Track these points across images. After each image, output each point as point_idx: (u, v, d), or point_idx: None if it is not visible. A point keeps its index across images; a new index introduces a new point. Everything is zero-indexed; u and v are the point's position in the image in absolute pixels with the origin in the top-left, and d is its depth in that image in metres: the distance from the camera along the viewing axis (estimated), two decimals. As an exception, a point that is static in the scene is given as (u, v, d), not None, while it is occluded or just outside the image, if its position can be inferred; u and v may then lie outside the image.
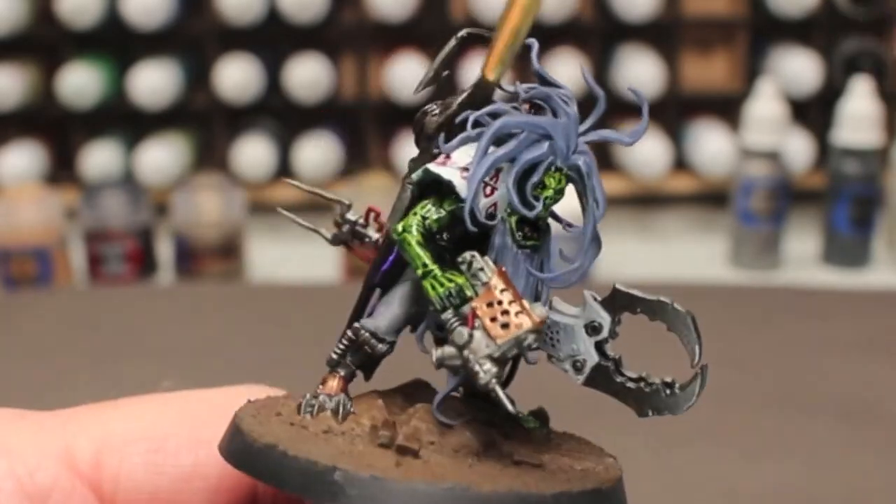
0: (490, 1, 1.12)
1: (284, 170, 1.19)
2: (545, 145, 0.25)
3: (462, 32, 0.26)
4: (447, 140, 0.24)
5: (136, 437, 0.26)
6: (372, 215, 0.27)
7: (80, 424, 0.26)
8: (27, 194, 1.03)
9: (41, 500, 0.24)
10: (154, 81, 1.15)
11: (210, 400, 0.27)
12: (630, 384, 0.26)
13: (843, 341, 0.79)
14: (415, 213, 0.24)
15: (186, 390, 0.27)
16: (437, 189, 0.24)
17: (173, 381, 0.28)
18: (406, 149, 1.11)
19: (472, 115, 0.24)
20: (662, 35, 1.20)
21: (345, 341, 0.25)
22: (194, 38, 1.20)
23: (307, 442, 0.23)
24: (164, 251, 1.06)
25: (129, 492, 0.25)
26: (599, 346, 0.25)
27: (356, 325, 0.25)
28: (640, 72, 1.14)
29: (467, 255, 0.23)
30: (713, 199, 1.19)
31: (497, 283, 0.23)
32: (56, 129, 1.23)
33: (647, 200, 1.22)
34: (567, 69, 1.14)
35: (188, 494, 0.26)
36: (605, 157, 1.22)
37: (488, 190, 0.24)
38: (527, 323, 0.22)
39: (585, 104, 0.25)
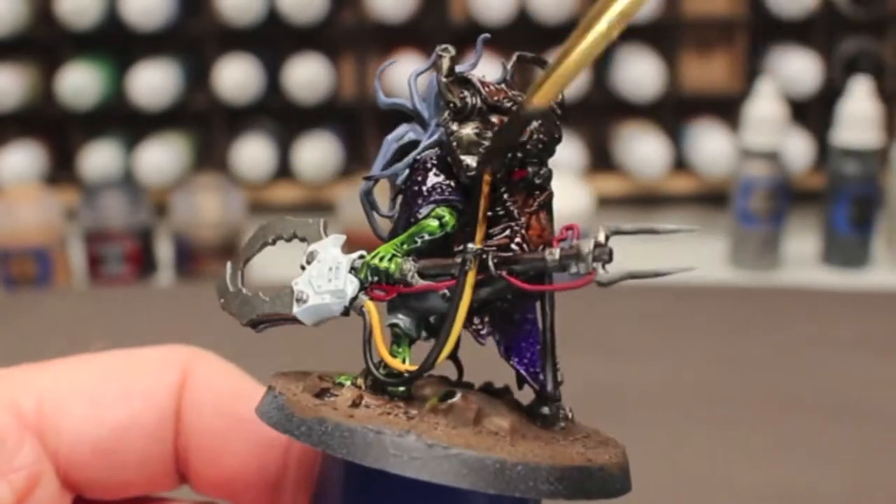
0: (490, 1, 1.12)
1: (284, 170, 1.19)
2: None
3: (514, 56, 0.26)
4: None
5: (75, 392, 0.27)
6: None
7: (21, 381, 0.27)
8: (27, 194, 1.03)
9: None
10: (154, 82, 1.15)
11: (140, 356, 0.29)
12: None
13: (843, 341, 0.79)
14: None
15: (117, 349, 0.29)
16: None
17: (103, 342, 0.30)
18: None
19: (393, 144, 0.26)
20: (662, 35, 1.19)
21: None
22: (194, 39, 1.20)
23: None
24: (164, 251, 1.06)
25: (72, 444, 0.26)
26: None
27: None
28: (640, 72, 1.14)
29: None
30: (713, 199, 1.19)
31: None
32: (56, 130, 1.23)
33: (646, 201, 1.22)
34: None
35: (127, 444, 0.27)
36: (605, 157, 1.22)
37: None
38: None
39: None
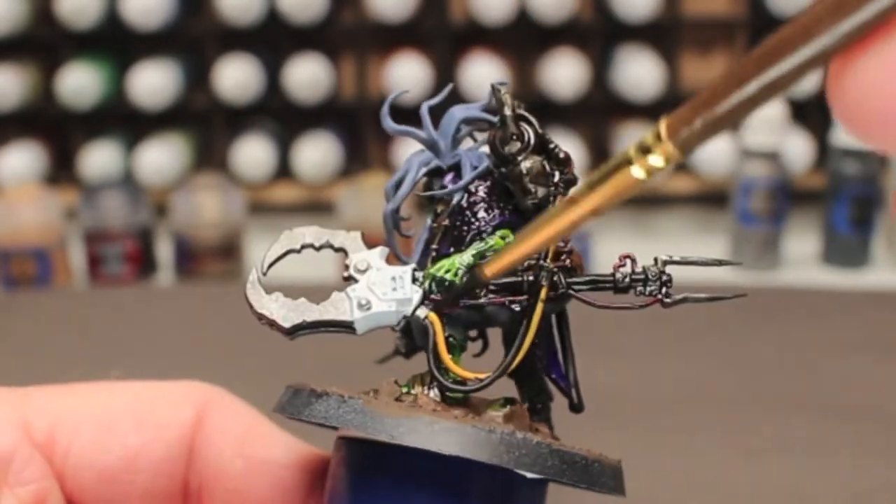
0: (490, 1, 1.12)
1: (284, 170, 1.19)
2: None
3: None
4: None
5: (88, 419, 0.27)
6: None
7: (36, 401, 0.28)
8: (27, 194, 1.03)
9: (3, 462, 0.26)
10: (154, 82, 1.15)
11: (157, 389, 0.29)
12: None
13: (843, 341, 0.79)
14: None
15: (134, 381, 0.29)
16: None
17: (120, 371, 0.30)
18: (405, 149, 1.11)
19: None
20: (662, 35, 1.19)
21: None
22: (194, 39, 1.20)
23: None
24: (164, 251, 1.06)
25: (78, 468, 0.27)
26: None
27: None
28: (640, 72, 1.14)
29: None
30: (713, 199, 1.19)
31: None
32: (56, 130, 1.23)
33: (646, 201, 1.22)
34: (567, 69, 1.14)
35: (134, 474, 0.27)
36: (604, 157, 1.22)
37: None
38: None
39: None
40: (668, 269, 0.27)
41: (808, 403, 0.69)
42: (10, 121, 1.20)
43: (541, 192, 0.26)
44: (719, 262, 0.29)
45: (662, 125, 0.20)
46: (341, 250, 0.27)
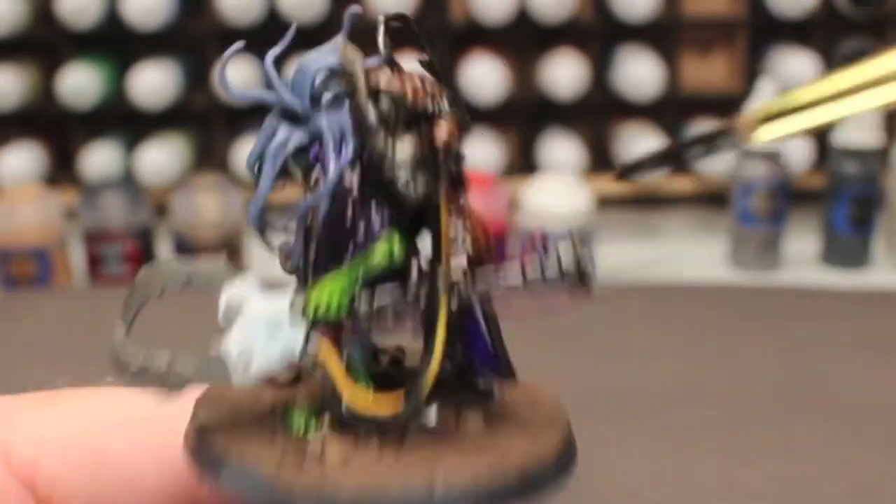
0: (490, 1, 1.12)
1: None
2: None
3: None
4: None
5: (75, 440, 0.25)
6: None
7: (17, 421, 0.25)
8: (27, 195, 1.03)
9: None
10: (154, 81, 1.15)
11: (151, 404, 0.26)
12: None
13: (843, 341, 0.79)
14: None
15: (128, 389, 0.26)
16: None
17: (115, 378, 0.28)
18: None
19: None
20: (662, 35, 1.19)
21: None
22: (194, 39, 1.20)
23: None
24: (164, 251, 1.06)
25: (67, 495, 0.25)
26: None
27: None
28: (639, 72, 1.14)
29: None
30: (713, 199, 1.19)
31: None
32: (56, 130, 1.23)
33: (646, 201, 1.22)
34: (567, 69, 1.14)
35: (126, 499, 0.25)
36: (604, 157, 1.22)
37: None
38: None
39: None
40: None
41: (808, 403, 0.69)
42: (10, 121, 1.20)
43: (420, 184, 0.22)
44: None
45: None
46: (209, 286, 0.24)
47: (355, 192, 0.23)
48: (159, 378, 0.23)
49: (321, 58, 0.23)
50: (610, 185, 1.18)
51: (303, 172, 0.24)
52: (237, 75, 1.15)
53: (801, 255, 1.08)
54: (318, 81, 0.23)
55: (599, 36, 1.19)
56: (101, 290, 1.00)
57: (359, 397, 0.22)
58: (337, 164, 0.22)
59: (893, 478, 0.60)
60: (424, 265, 0.22)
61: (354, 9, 0.23)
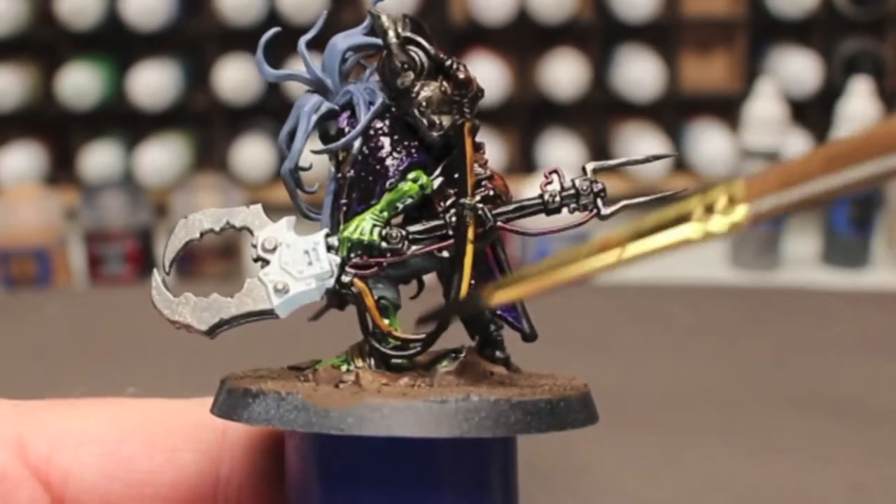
0: (490, 1, 1.12)
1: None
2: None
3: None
4: None
5: (91, 439, 0.25)
6: None
7: (35, 418, 0.25)
8: (27, 195, 1.03)
9: None
10: (154, 82, 1.15)
11: (168, 408, 0.26)
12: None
13: (843, 341, 0.79)
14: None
15: (147, 398, 0.27)
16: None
17: (137, 387, 0.28)
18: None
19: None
20: (662, 35, 1.19)
21: None
22: (194, 39, 1.20)
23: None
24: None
25: (79, 491, 0.25)
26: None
27: None
28: (639, 72, 1.14)
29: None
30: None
31: None
32: (56, 130, 1.23)
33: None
34: (567, 69, 1.14)
35: (139, 500, 0.25)
36: (604, 157, 1.22)
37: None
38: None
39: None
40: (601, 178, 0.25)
41: (808, 403, 0.69)
42: (10, 121, 1.20)
43: (445, 121, 0.24)
44: (654, 158, 0.26)
45: (740, 187, 0.18)
46: (245, 229, 0.25)
47: (385, 135, 0.24)
48: (197, 307, 0.24)
49: (349, 38, 0.25)
50: (610, 184, 1.18)
51: (330, 139, 0.25)
52: (238, 76, 1.15)
53: (801, 255, 1.08)
54: (348, 60, 0.25)
55: (599, 36, 1.19)
56: (101, 290, 1.00)
57: (389, 329, 0.24)
58: (365, 114, 0.24)
59: (893, 478, 0.60)
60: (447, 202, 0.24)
61: (381, 1, 0.25)
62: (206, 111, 1.21)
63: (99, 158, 1.18)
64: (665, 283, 0.90)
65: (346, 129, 0.25)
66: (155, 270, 0.25)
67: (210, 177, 1.11)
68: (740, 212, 0.18)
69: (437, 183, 0.24)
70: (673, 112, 1.20)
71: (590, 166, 0.25)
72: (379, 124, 0.25)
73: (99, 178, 1.16)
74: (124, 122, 1.22)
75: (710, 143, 1.16)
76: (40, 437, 0.25)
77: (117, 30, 1.15)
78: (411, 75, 0.24)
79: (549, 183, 0.25)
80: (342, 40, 0.25)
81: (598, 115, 1.21)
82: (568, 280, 0.20)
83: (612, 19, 1.16)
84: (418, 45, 0.25)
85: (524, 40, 1.20)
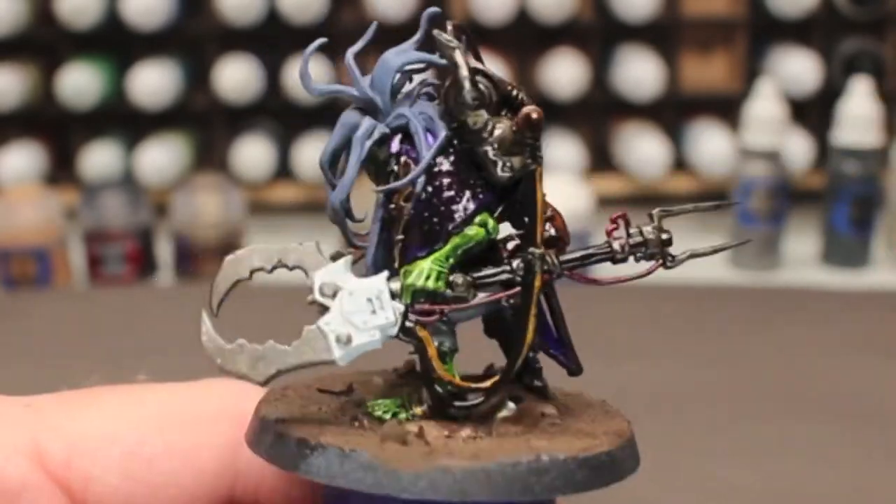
0: (490, 1, 1.12)
1: (284, 170, 1.19)
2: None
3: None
4: None
5: (110, 440, 0.25)
6: None
7: (51, 421, 0.25)
8: (27, 194, 1.03)
9: (12, 496, 0.23)
10: (154, 81, 1.15)
11: (189, 397, 0.26)
12: None
13: (843, 341, 0.79)
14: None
15: (161, 384, 0.26)
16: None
17: (148, 375, 0.27)
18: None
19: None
20: (662, 35, 1.19)
21: None
22: (194, 39, 1.20)
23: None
24: (164, 251, 1.06)
25: (101, 495, 0.24)
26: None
27: None
28: (639, 72, 1.14)
29: None
30: (713, 199, 1.19)
31: None
32: (56, 130, 1.23)
33: (646, 201, 1.22)
34: (567, 69, 1.14)
35: (161, 499, 0.25)
36: (604, 157, 1.22)
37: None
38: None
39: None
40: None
41: (808, 403, 0.69)
42: (10, 121, 1.20)
43: (516, 163, 0.23)
44: (717, 206, 0.26)
45: None
46: (298, 268, 0.24)
47: (450, 174, 0.23)
48: (253, 356, 0.23)
49: (402, 55, 0.24)
50: (610, 184, 1.19)
51: (380, 164, 0.24)
52: (238, 76, 1.15)
53: (801, 255, 1.08)
54: (397, 77, 0.24)
55: (599, 36, 1.19)
56: (101, 290, 1.00)
57: (451, 378, 0.23)
58: (430, 148, 0.23)
59: (893, 478, 0.60)
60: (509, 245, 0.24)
61: (434, 10, 0.24)
62: (206, 111, 1.21)
63: (99, 158, 1.18)
64: (665, 283, 0.90)
65: (403, 159, 0.24)
66: (204, 314, 0.24)
67: (210, 177, 1.11)
68: None
69: (501, 227, 0.24)
70: (673, 112, 1.20)
71: (657, 213, 0.24)
72: (442, 160, 0.23)
73: (99, 177, 1.16)
74: (124, 121, 1.22)
75: (710, 143, 1.16)
76: (57, 441, 0.24)
77: (117, 30, 1.15)
78: (484, 115, 0.23)
79: (615, 228, 0.24)
80: (394, 57, 0.24)
81: (598, 114, 1.21)
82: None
83: (612, 19, 1.16)
84: (485, 75, 0.23)
85: (524, 40, 1.20)
